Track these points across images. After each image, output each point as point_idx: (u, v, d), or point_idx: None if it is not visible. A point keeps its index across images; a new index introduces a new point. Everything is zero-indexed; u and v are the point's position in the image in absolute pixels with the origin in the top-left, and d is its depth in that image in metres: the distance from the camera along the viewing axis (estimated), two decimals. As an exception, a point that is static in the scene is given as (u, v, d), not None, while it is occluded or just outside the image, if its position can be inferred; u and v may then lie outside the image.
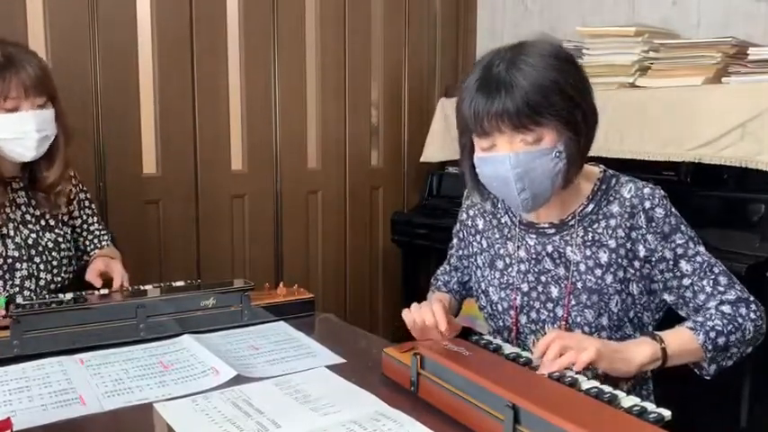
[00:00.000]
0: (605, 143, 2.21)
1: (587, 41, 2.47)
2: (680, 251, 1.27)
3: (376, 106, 3.13)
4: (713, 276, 1.26)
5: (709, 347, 1.20)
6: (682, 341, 1.20)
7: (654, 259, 1.28)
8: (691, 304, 1.28)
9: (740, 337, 1.22)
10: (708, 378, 1.27)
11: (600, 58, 2.42)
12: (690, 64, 2.21)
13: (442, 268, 1.62)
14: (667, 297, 1.31)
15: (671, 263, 1.27)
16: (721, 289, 1.26)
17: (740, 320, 1.23)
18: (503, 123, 1.19)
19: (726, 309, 1.24)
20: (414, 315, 1.28)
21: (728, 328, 1.21)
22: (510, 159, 1.20)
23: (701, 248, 1.28)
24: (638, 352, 1.17)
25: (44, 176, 1.70)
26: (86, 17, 2.33)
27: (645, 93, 2.27)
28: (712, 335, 1.20)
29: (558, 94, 1.19)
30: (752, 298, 1.27)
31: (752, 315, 1.24)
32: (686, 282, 1.27)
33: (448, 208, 2.72)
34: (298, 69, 2.82)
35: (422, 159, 3.03)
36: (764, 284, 1.87)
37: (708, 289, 1.26)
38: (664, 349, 1.18)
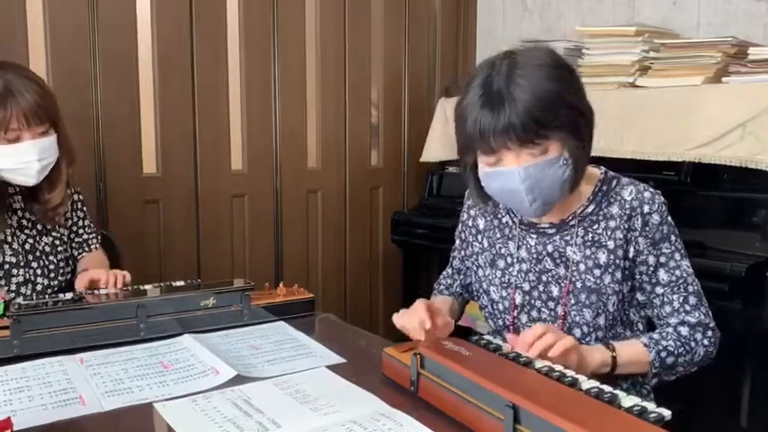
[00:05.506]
0: (605, 143, 2.21)
1: (587, 41, 2.47)
2: (663, 260, 1.30)
3: (376, 106, 3.13)
4: (685, 294, 1.30)
5: (656, 365, 1.27)
6: (632, 354, 1.25)
7: (638, 260, 1.31)
8: (656, 311, 1.33)
9: (689, 359, 1.29)
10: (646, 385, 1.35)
11: (600, 58, 2.42)
12: (690, 64, 2.21)
13: (444, 272, 1.62)
14: (639, 296, 1.35)
15: (651, 268, 1.30)
16: (688, 308, 1.30)
17: (693, 344, 1.28)
18: (509, 140, 1.18)
19: (683, 331, 1.29)
20: (402, 321, 1.28)
21: (680, 350, 1.27)
22: (519, 173, 1.20)
23: (684, 262, 1.31)
24: (593, 356, 1.21)
25: (46, 199, 1.68)
26: (86, 17, 2.33)
27: (645, 93, 2.26)
28: (663, 354, 1.26)
29: (561, 105, 1.19)
30: (711, 324, 1.31)
31: (705, 342, 1.29)
32: (659, 290, 1.31)
33: (448, 208, 2.71)
34: (298, 69, 2.82)
35: (422, 159, 3.03)
36: (764, 284, 1.88)
37: (675, 304, 1.30)
38: (614, 357, 1.22)
